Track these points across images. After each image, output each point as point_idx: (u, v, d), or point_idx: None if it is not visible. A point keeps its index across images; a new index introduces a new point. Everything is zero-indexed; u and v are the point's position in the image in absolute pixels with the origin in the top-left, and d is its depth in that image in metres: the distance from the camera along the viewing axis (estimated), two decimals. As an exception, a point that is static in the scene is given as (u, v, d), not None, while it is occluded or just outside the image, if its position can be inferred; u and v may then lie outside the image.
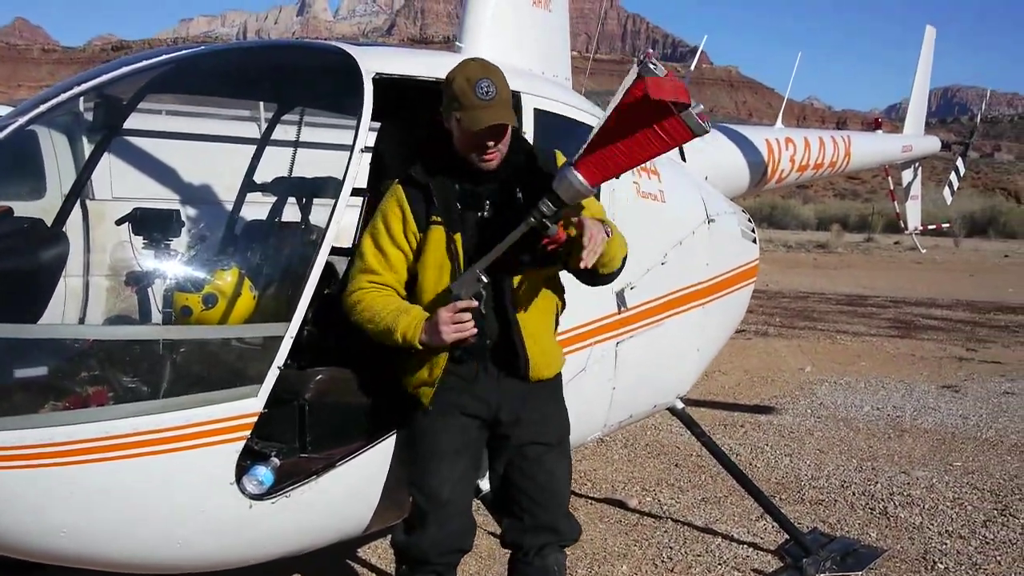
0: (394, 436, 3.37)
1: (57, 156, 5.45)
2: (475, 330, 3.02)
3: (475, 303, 3.00)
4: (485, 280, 2.99)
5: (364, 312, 3.12)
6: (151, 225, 3.57)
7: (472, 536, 3.28)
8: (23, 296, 3.30)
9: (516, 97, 3.72)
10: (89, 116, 4.93)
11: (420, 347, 3.05)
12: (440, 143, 3.16)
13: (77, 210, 4.40)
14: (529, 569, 3.28)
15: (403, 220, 3.14)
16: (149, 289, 3.61)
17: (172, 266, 3.58)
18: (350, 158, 3.25)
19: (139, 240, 3.63)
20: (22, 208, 4.66)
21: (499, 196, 3.16)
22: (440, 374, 3.17)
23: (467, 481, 3.27)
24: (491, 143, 3.05)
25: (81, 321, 4.57)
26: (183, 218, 3.80)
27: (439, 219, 3.12)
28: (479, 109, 2.97)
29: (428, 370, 3.19)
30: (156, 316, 3.55)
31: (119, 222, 3.65)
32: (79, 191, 4.41)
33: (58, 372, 2.98)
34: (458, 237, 3.13)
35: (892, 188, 10.35)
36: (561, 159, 3.22)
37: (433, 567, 3.23)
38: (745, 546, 5.27)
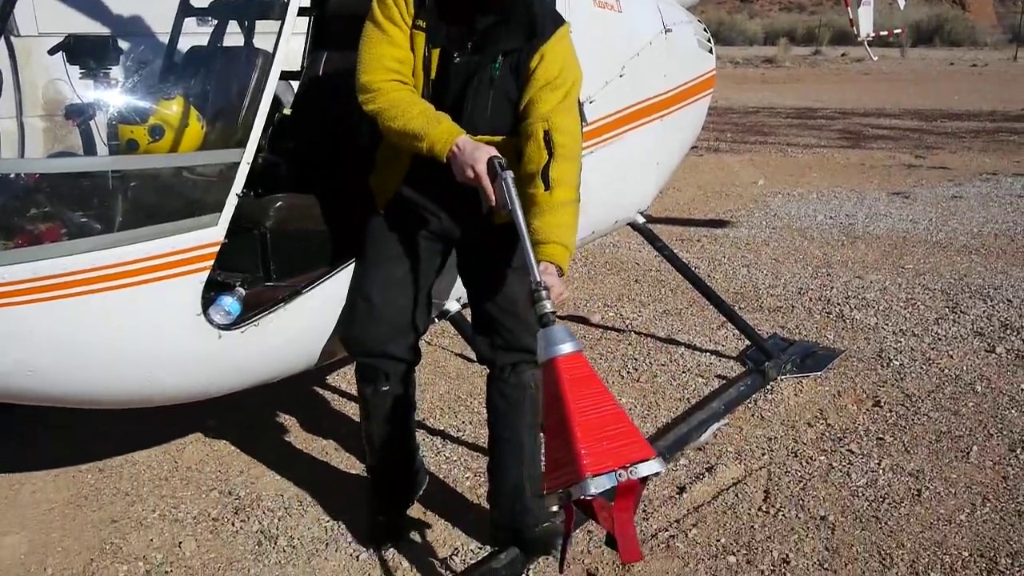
0: (358, 260, 3.34)
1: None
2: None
3: (493, 199, 2.83)
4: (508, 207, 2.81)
5: (386, 106, 2.92)
6: (86, 53, 3.38)
7: (402, 344, 3.25)
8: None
9: None
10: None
11: (444, 161, 2.89)
12: None
13: (1, 47, 4.17)
14: (505, 386, 3.31)
15: (406, 3, 2.94)
16: (92, 122, 3.46)
17: (113, 97, 3.41)
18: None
19: (76, 71, 3.46)
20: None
21: (479, 46, 2.97)
22: (399, 181, 3.14)
23: (403, 289, 3.22)
24: None
25: (19, 164, 4.40)
26: (120, 46, 3.61)
27: (423, 25, 2.94)
28: None
29: (388, 180, 3.17)
30: (102, 150, 3.42)
31: (52, 51, 3.45)
32: (5, 25, 4.15)
33: (6, 210, 2.86)
34: (436, 54, 2.97)
35: (846, -6, 10.17)
36: (565, 36, 3.03)
37: (362, 365, 3.30)
38: (708, 354, 5.39)
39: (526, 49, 2.99)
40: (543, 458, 2.86)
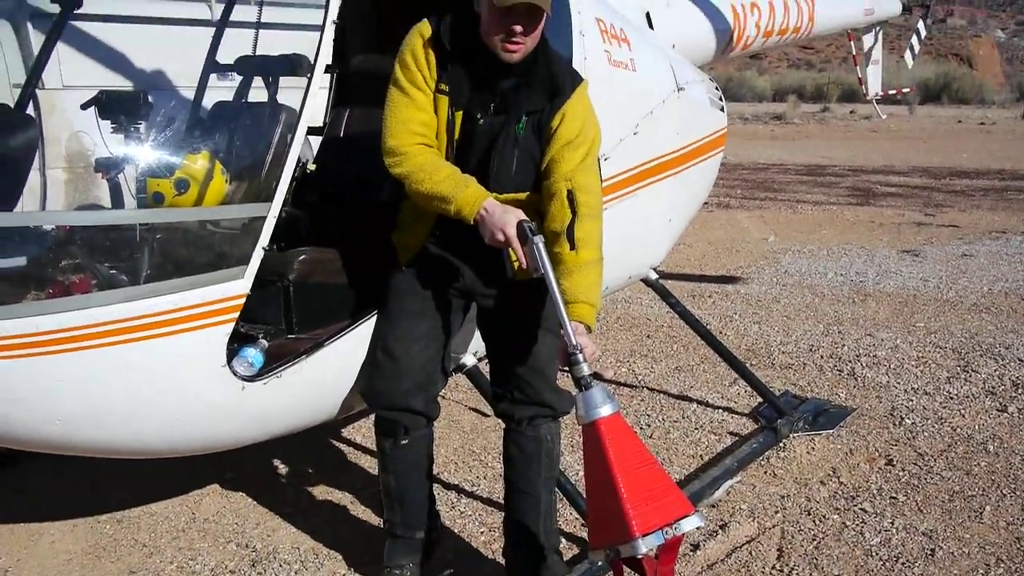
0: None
1: (2, 44, 5.26)
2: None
3: (525, 262, 2.91)
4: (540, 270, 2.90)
5: (413, 170, 2.98)
6: (118, 108, 3.47)
7: (422, 399, 3.29)
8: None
9: None
10: (33, 1, 4.76)
11: (472, 223, 2.96)
12: (467, 24, 3.00)
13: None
14: (522, 439, 3.35)
15: (427, 64, 3.00)
16: (120, 176, 3.53)
17: (142, 151, 3.50)
18: (322, 34, 3.15)
19: (106, 125, 3.54)
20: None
21: (502, 107, 3.06)
22: (423, 240, 3.21)
23: (425, 344, 3.27)
24: (519, 28, 2.88)
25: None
26: (149, 101, 3.69)
27: (446, 89, 3.01)
28: None
29: (411, 238, 3.23)
30: (129, 203, 3.49)
31: (84, 106, 3.54)
32: (37, 78, 4.26)
33: (39, 261, 2.93)
34: (459, 116, 3.04)
35: (855, 53, 10.28)
36: (583, 95, 3.13)
37: (382, 419, 3.33)
38: (720, 411, 5.41)
39: (548, 109, 3.08)
40: (586, 514, 2.92)
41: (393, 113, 3.03)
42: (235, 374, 3.05)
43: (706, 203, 13.02)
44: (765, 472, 4.58)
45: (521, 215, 2.93)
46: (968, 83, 49.69)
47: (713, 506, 4.22)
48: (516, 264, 2.98)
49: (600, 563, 2.69)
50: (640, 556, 2.59)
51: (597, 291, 3.07)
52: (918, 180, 17.17)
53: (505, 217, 2.91)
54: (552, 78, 3.10)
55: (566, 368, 2.92)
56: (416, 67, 3.00)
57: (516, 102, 3.06)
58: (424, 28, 3.03)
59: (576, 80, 3.18)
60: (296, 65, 3.85)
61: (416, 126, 3.01)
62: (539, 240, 2.88)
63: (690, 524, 2.63)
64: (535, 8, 2.85)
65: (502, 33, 2.90)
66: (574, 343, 2.83)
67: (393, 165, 3.02)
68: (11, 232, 2.95)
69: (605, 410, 2.75)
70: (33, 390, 2.76)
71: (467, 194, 2.94)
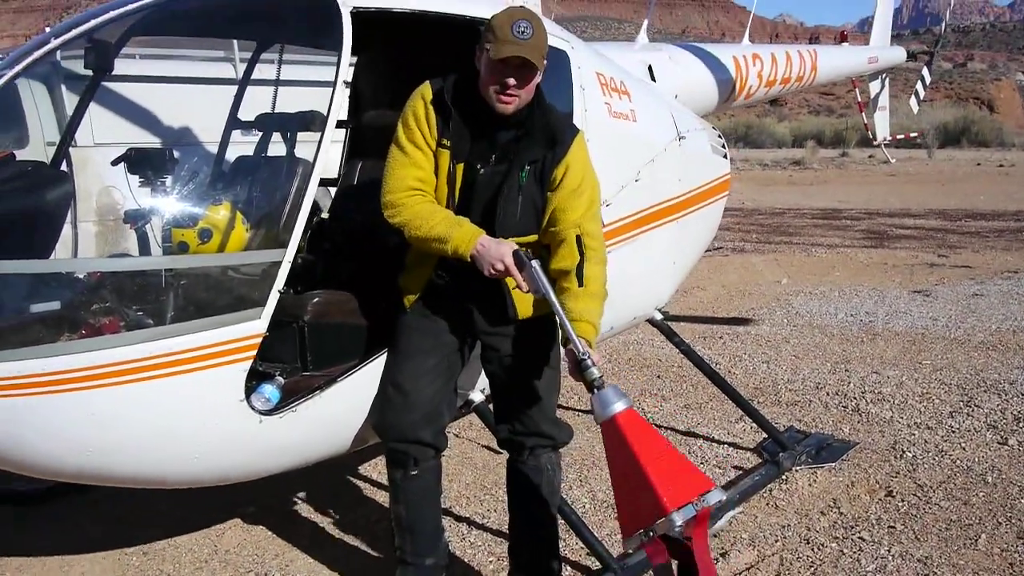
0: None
1: (37, 105, 5.55)
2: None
3: (525, 286, 3.13)
4: (541, 291, 3.10)
5: (410, 218, 3.21)
6: (146, 164, 3.71)
7: (430, 431, 3.46)
8: (35, 234, 3.47)
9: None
10: (66, 65, 5.04)
11: (469, 259, 3.16)
12: (468, 82, 3.24)
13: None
14: (524, 467, 3.54)
15: (427, 123, 3.23)
16: (148, 226, 3.77)
17: (168, 203, 3.74)
18: (333, 93, 3.39)
19: (135, 179, 3.79)
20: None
21: (503, 158, 3.28)
22: (424, 282, 3.43)
23: (432, 379, 3.46)
24: (512, 81, 3.12)
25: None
26: (175, 156, 3.94)
27: (448, 144, 3.24)
28: (509, 43, 3.05)
29: (416, 280, 3.45)
30: (156, 251, 3.72)
31: (115, 162, 3.78)
32: (70, 136, 4.53)
33: (73, 304, 3.16)
34: (460, 168, 3.27)
35: (860, 100, 10.52)
36: (582, 144, 3.36)
37: (393, 451, 3.51)
38: (725, 446, 5.56)
39: (550, 158, 3.31)
40: (615, 508, 3.09)
41: (392, 170, 3.28)
42: (253, 409, 3.26)
43: (721, 247, 13.24)
44: (767, 503, 4.72)
45: (515, 245, 3.16)
46: (988, 126, 49.85)
47: (715, 535, 4.36)
48: (515, 288, 3.19)
49: (635, 548, 2.89)
50: (676, 529, 2.73)
51: (599, 316, 3.28)
52: (933, 222, 17.31)
53: (501, 248, 3.14)
54: (549, 129, 3.33)
55: (578, 379, 3.09)
56: (416, 126, 3.25)
57: (517, 152, 3.29)
58: (425, 90, 3.28)
59: (574, 131, 3.42)
60: (310, 121, 4.09)
61: (412, 181, 3.25)
62: (536, 263, 3.10)
63: (714, 497, 2.80)
64: (528, 63, 3.10)
65: (497, 85, 3.14)
66: (582, 350, 3.03)
67: (392, 216, 3.26)
68: (46, 278, 3.19)
69: (620, 405, 2.93)
70: (66, 424, 2.98)
71: (462, 232, 3.17)
